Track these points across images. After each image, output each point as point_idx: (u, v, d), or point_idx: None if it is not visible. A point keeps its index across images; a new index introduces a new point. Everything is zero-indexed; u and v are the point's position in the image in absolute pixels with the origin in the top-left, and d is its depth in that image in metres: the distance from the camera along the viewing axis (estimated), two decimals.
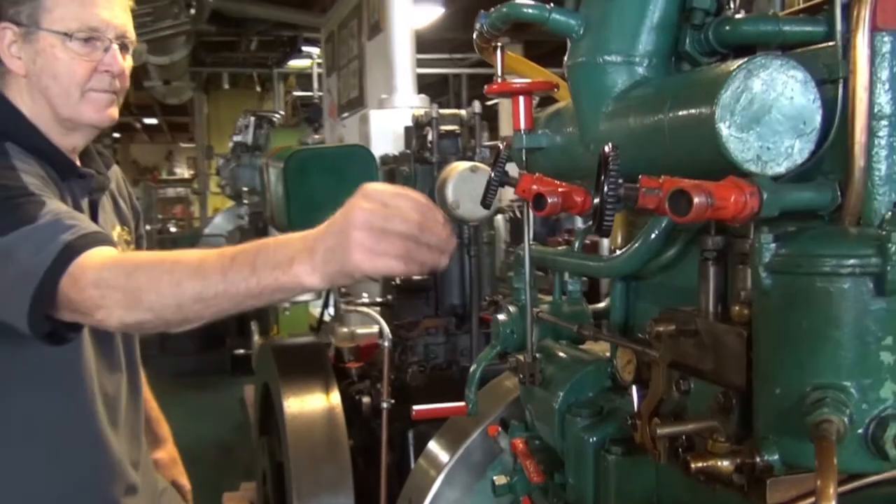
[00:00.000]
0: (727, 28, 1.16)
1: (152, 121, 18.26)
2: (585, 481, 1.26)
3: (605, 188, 0.86)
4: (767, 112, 0.95)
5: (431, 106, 2.91)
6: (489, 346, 1.58)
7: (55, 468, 1.51)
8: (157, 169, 22.40)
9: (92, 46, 1.48)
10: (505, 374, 1.84)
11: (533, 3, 1.25)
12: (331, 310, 3.99)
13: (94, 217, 1.55)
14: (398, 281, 2.67)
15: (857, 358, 0.87)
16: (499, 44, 1.36)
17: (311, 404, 2.56)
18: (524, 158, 1.39)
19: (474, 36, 1.35)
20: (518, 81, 1.38)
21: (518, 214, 2.73)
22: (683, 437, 1.04)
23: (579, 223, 4.31)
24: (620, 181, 0.88)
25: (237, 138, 7.93)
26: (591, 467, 1.25)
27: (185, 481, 2.00)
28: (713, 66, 1.08)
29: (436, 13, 6.83)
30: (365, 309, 2.66)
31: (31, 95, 1.50)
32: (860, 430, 0.86)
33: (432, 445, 1.86)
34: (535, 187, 1.13)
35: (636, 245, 1.27)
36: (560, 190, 1.14)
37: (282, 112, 8.85)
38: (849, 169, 0.95)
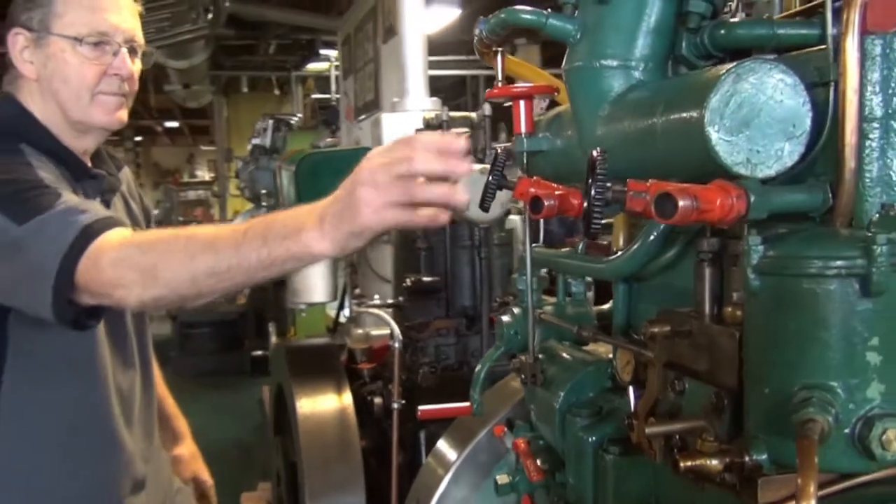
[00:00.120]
0: (722, 32, 1.18)
1: (173, 124, 18.45)
2: (585, 480, 1.28)
3: (592, 192, 0.88)
4: (757, 115, 0.96)
5: (442, 108, 2.93)
6: (493, 346, 1.60)
7: (68, 463, 1.54)
8: (179, 171, 22.61)
9: (101, 50, 1.51)
10: (512, 374, 1.86)
11: (530, 8, 1.26)
12: (346, 311, 4.02)
13: None
14: (409, 282, 2.70)
15: (843, 358, 0.88)
16: (499, 48, 1.38)
17: (323, 405, 2.59)
18: (525, 162, 1.41)
19: (475, 41, 1.37)
20: (519, 85, 1.40)
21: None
22: (677, 437, 1.06)
23: None
24: (608, 185, 0.90)
25: (256, 141, 8.00)
26: (590, 467, 1.27)
27: (206, 476, 2.03)
28: (704, 71, 1.09)
29: (452, 15, 6.85)
30: (376, 310, 2.69)
31: (42, 99, 1.54)
32: (847, 430, 0.88)
33: (441, 444, 1.88)
34: (532, 190, 1.15)
35: (635, 247, 1.28)
36: (557, 193, 1.16)
37: (300, 115, 8.92)
38: (839, 171, 0.96)
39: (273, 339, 5.76)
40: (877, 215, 0.93)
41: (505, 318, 1.56)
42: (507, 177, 1.19)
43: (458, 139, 1.06)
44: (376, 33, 5.29)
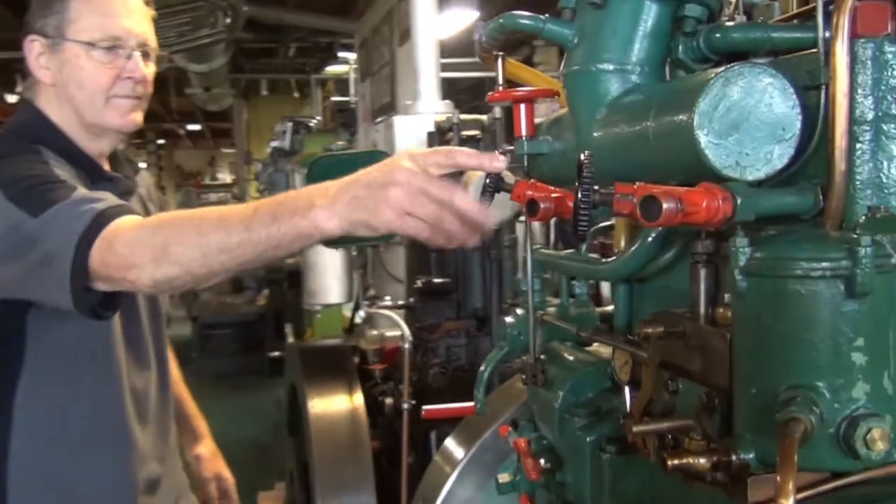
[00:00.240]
0: (717, 35, 1.19)
1: (195, 127, 18.63)
2: (583, 479, 1.29)
3: (579, 194, 0.90)
4: (746, 119, 0.98)
5: (454, 112, 2.96)
6: (497, 347, 1.61)
7: (81, 460, 1.57)
8: (201, 174, 22.83)
9: (114, 54, 1.55)
10: (518, 374, 1.88)
11: (529, 14, 1.28)
12: (362, 312, 4.06)
13: None
14: (420, 283, 2.72)
15: (829, 359, 0.89)
16: (499, 53, 1.40)
17: (334, 405, 2.62)
18: (526, 164, 1.43)
19: (475, 46, 1.39)
20: (520, 89, 1.41)
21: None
22: (669, 437, 1.07)
23: None
24: (595, 187, 0.92)
25: (275, 144, 8.07)
26: (587, 466, 1.29)
27: (227, 474, 2.04)
28: (695, 75, 1.10)
29: (470, 17, 6.87)
30: (386, 311, 2.72)
31: (59, 103, 1.57)
32: (832, 430, 0.89)
33: (448, 442, 1.90)
34: (529, 193, 1.17)
35: (633, 248, 1.30)
36: (553, 195, 1.17)
37: (319, 118, 8.98)
38: (829, 174, 0.98)
39: (290, 339, 5.82)
40: (863, 217, 0.94)
41: (508, 320, 1.58)
42: (504, 179, 1.21)
43: (502, 165, 1.09)
44: (392, 36, 5.33)
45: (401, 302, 2.86)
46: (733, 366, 0.98)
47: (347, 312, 4.37)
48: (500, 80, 1.41)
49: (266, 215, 1.11)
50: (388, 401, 2.74)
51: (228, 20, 5.92)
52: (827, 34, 0.99)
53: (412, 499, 2.33)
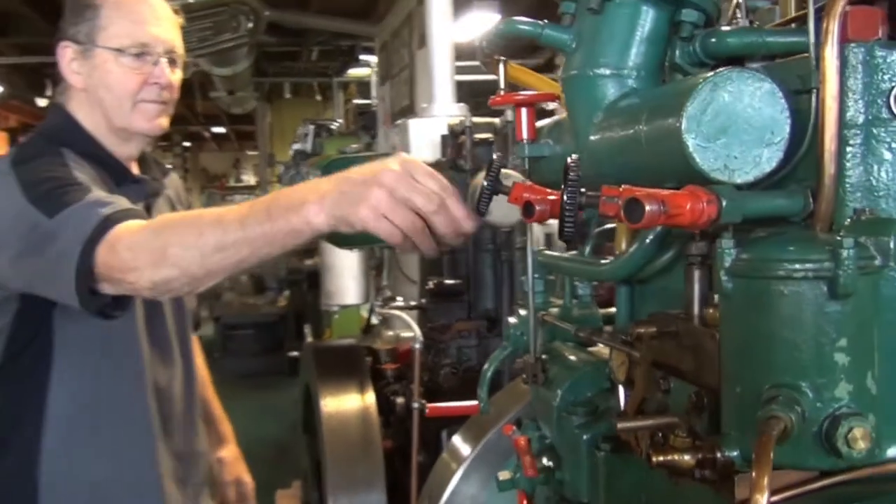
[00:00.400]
0: (713, 40, 1.20)
1: (220, 130, 18.84)
2: (580, 477, 1.31)
3: (565, 196, 0.92)
4: (734, 123, 0.99)
5: (467, 115, 2.99)
6: (500, 347, 1.64)
7: (108, 457, 1.61)
8: (226, 176, 23.07)
9: (142, 60, 1.60)
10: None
11: (528, 20, 1.31)
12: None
13: None
14: (432, 284, 2.75)
15: (812, 359, 0.90)
16: (501, 58, 1.42)
17: (346, 404, 2.66)
18: (527, 168, 1.45)
19: (477, 52, 1.41)
20: (521, 93, 1.44)
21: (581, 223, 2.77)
22: (660, 434, 1.09)
23: None
24: (583, 190, 0.94)
25: (297, 146, 8.15)
26: (584, 463, 1.31)
27: (248, 478, 2.09)
28: (686, 79, 1.12)
29: (492, 20, 6.90)
30: (398, 312, 2.75)
31: (89, 107, 1.63)
32: (815, 428, 0.90)
33: (455, 440, 1.93)
34: (525, 195, 1.19)
35: (632, 250, 1.32)
36: (549, 198, 1.20)
37: (340, 120, 9.05)
38: (819, 176, 0.99)
39: (308, 339, 5.88)
40: (848, 220, 0.95)
41: (511, 320, 1.61)
42: (502, 182, 1.23)
43: (472, 225, 1.12)
44: (411, 40, 5.37)
45: (413, 303, 2.90)
46: (721, 365, 1.00)
47: (365, 313, 4.42)
48: (502, 85, 1.43)
49: (261, 213, 1.14)
50: (400, 400, 2.77)
51: (250, 24, 6.00)
52: (817, 39, 1.01)
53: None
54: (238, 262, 1.18)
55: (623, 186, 0.93)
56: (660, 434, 1.09)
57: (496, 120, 2.95)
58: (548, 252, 1.59)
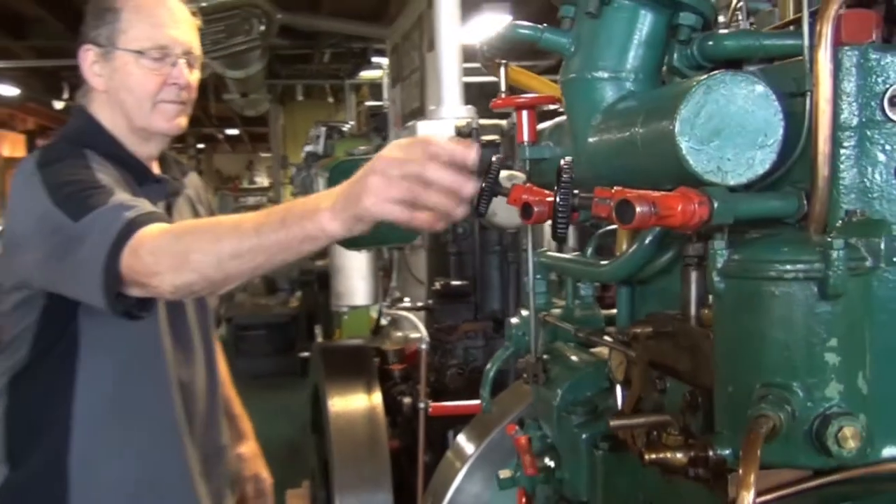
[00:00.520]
0: (710, 43, 1.21)
1: (233, 132, 18.95)
2: (578, 475, 1.33)
3: (557, 198, 0.94)
4: (727, 125, 1.00)
5: (474, 117, 3.00)
6: (503, 347, 1.65)
7: (133, 453, 1.64)
8: (239, 178, 23.20)
9: (161, 62, 1.64)
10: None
11: (528, 24, 1.32)
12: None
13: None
14: (439, 286, 2.77)
15: (802, 359, 0.91)
16: (502, 61, 1.44)
17: (353, 404, 2.68)
18: (528, 169, 1.47)
19: (478, 55, 1.43)
20: (521, 96, 1.45)
21: (589, 225, 2.79)
22: (655, 433, 1.10)
23: None
24: (576, 191, 0.95)
25: (309, 148, 8.18)
26: (583, 462, 1.32)
27: (265, 475, 2.11)
28: (681, 82, 1.13)
29: (503, 22, 6.90)
30: (405, 313, 2.77)
31: (111, 109, 1.67)
32: (805, 427, 0.91)
33: (460, 439, 1.95)
34: (523, 197, 1.21)
35: (630, 251, 1.33)
36: (547, 199, 1.21)
37: (352, 122, 9.08)
38: (813, 178, 1.00)
39: (318, 340, 5.90)
40: (840, 222, 0.96)
41: (514, 320, 1.62)
42: (501, 183, 1.25)
43: (470, 152, 1.10)
44: (422, 42, 5.39)
45: (420, 304, 2.92)
46: (714, 365, 1.01)
47: (374, 314, 4.44)
48: (503, 87, 1.45)
49: (276, 220, 1.18)
50: (407, 400, 2.79)
51: (262, 27, 6.04)
52: (811, 42, 1.02)
53: None
54: (254, 268, 1.22)
55: (615, 188, 0.94)
56: (655, 433, 1.10)
57: (503, 122, 2.97)
58: (549, 253, 1.60)
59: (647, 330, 1.14)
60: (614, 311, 1.72)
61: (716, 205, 0.94)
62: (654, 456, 0.98)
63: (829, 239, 0.91)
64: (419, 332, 2.68)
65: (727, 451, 0.95)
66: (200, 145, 20.96)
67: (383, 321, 4.17)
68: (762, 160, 1.01)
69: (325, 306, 6.25)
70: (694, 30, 1.24)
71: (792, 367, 0.91)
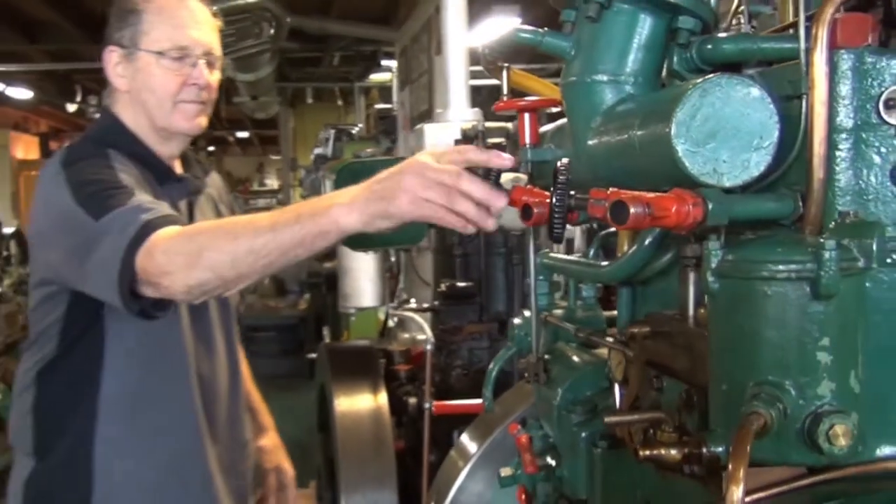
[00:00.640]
0: (709, 47, 1.23)
1: (244, 134, 19.04)
2: (578, 473, 1.34)
3: (554, 199, 0.95)
4: (723, 128, 1.02)
5: (480, 119, 3.02)
6: (505, 347, 1.67)
7: (152, 444, 1.67)
8: (249, 180, 23.30)
9: (182, 62, 1.67)
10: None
11: (530, 28, 1.34)
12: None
13: (190, 217, 1.74)
14: (444, 287, 2.79)
15: (795, 358, 0.92)
16: (504, 65, 1.46)
17: (359, 403, 2.70)
18: (530, 171, 1.49)
19: (481, 59, 1.45)
20: (523, 99, 1.47)
21: (595, 227, 2.81)
22: (652, 431, 1.11)
23: None
24: (572, 192, 0.97)
25: (318, 151, 8.24)
26: (582, 460, 1.34)
27: (287, 467, 2.11)
28: (678, 85, 1.15)
29: (513, 24, 6.91)
30: (410, 314, 2.79)
31: (133, 109, 1.70)
32: (798, 425, 0.92)
33: (463, 438, 1.97)
34: (524, 198, 1.22)
35: (630, 252, 1.34)
36: (547, 201, 1.23)
37: (361, 125, 9.13)
38: (808, 180, 1.01)
39: (326, 341, 5.93)
40: (833, 223, 0.97)
41: (516, 321, 1.64)
42: (502, 185, 1.26)
43: (504, 160, 1.15)
44: (430, 45, 5.42)
45: (425, 305, 2.94)
46: (709, 363, 1.02)
47: (382, 316, 4.46)
48: (506, 90, 1.47)
49: (290, 217, 1.21)
50: (412, 401, 2.81)
51: (272, 31, 6.09)
52: (807, 45, 1.03)
53: None
54: (267, 265, 1.25)
55: (610, 189, 0.96)
56: (651, 430, 1.12)
57: (510, 125, 2.99)
58: (552, 254, 1.62)
59: (645, 330, 1.15)
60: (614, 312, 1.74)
61: (710, 206, 0.96)
62: (648, 452, 0.99)
63: (822, 240, 0.92)
64: (425, 333, 2.70)
65: (720, 449, 0.96)
66: (211, 148, 21.06)
67: (390, 323, 4.19)
68: (757, 162, 1.02)
69: (334, 308, 6.29)
70: (693, 33, 1.25)
71: (784, 365, 0.93)
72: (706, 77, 1.03)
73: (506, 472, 1.56)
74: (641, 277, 1.37)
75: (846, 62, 1.02)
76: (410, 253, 3.73)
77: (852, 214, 0.98)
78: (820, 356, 0.92)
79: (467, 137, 2.92)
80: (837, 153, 1.02)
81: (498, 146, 2.92)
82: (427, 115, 5.44)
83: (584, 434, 1.34)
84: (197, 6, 1.72)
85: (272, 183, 21.75)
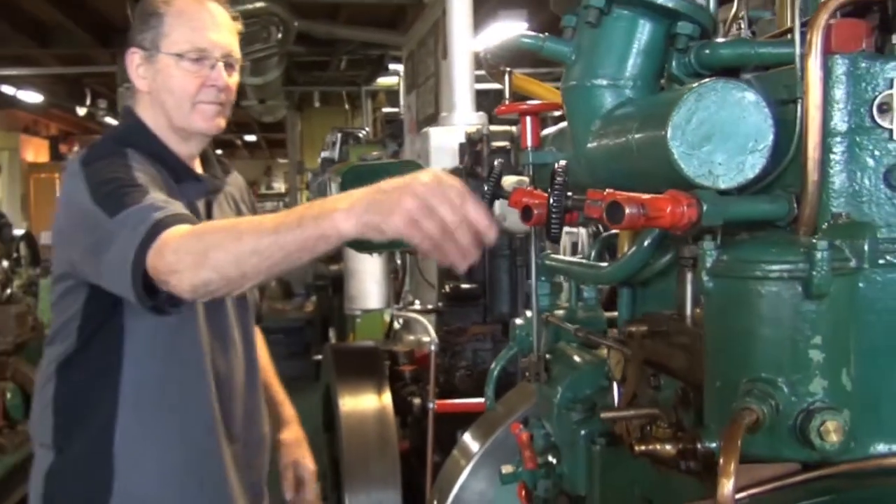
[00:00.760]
0: (707, 52, 1.25)
1: (251, 138, 19.12)
2: (577, 470, 1.36)
3: (551, 200, 0.98)
4: (718, 131, 1.04)
5: (484, 123, 3.05)
6: (507, 347, 1.69)
7: (169, 437, 1.70)
8: (257, 184, 23.37)
9: (200, 64, 1.70)
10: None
11: (531, 33, 1.36)
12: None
13: (209, 216, 1.77)
14: (448, 289, 2.81)
15: (787, 356, 0.95)
16: (506, 69, 1.48)
17: (363, 404, 2.73)
18: (532, 174, 1.51)
19: (482, 63, 1.48)
20: (525, 103, 1.50)
21: (601, 229, 2.83)
22: (649, 428, 1.14)
23: None
24: (569, 193, 0.99)
25: (325, 154, 8.28)
26: (582, 457, 1.36)
27: (308, 462, 2.08)
28: (675, 89, 1.17)
29: (519, 29, 6.94)
30: (415, 315, 2.82)
31: (153, 109, 1.75)
32: (790, 422, 0.94)
33: (466, 437, 1.99)
34: (524, 200, 1.25)
35: (630, 253, 1.36)
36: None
37: (367, 129, 9.17)
38: (803, 183, 1.03)
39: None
40: (825, 224, 0.99)
41: (518, 321, 1.66)
42: (503, 186, 1.29)
43: (493, 231, 1.15)
44: (437, 48, 5.45)
45: (430, 306, 2.96)
46: (704, 361, 1.04)
47: (387, 317, 4.48)
48: (507, 94, 1.49)
49: (293, 220, 1.23)
50: (417, 401, 2.83)
51: (280, 35, 6.13)
52: (802, 50, 1.05)
53: None
54: (271, 266, 1.26)
55: (607, 190, 0.98)
56: (648, 426, 1.14)
57: (513, 128, 3.02)
58: (553, 255, 1.64)
59: (643, 329, 1.17)
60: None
61: (705, 207, 0.98)
62: (644, 447, 1.02)
63: (814, 240, 0.95)
64: (429, 334, 2.72)
65: (714, 444, 0.98)
66: (219, 151, 21.00)
67: (396, 324, 4.22)
68: (752, 165, 1.05)
69: (340, 310, 6.31)
70: (692, 38, 1.28)
71: (777, 363, 0.95)
72: (702, 81, 1.05)
73: (507, 469, 1.58)
74: (641, 278, 1.39)
75: (840, 67, 1.04)
76: (416, 255, 3.75)
77: (845, 216, 1.00)
78: (812, 354, 0.94)
79: (472, 141, 2.94)
80: (832, 156, 1.04)
81: (502, 150, 2.96)
82: (433, 119, 5.47)
83: (583, 431, 1.36)
84: (217, 9, 1.75)
85: (280, 186, 21.82)
